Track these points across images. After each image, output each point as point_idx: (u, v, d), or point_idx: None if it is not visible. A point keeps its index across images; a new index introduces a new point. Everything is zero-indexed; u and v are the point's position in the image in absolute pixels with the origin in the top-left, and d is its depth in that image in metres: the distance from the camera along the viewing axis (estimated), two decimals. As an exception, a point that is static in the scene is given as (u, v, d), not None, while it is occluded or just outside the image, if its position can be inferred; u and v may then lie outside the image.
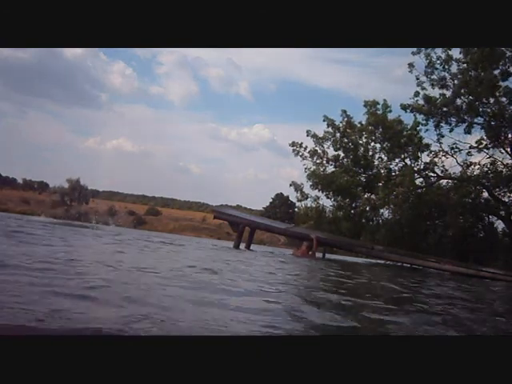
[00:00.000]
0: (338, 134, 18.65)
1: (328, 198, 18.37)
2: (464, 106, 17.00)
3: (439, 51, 17.45)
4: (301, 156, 18.87)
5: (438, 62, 17.41)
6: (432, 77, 17.64)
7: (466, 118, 17.28)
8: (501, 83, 16.41)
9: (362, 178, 18.59)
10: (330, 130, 18.78)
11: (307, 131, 19.26)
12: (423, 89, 17.71)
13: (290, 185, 18.94)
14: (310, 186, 18.40)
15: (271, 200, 67.92)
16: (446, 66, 17.41)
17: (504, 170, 16.79)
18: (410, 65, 17.88)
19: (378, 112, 18.36)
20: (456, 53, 17.22)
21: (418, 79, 17.70)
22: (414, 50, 17.47)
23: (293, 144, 19.11)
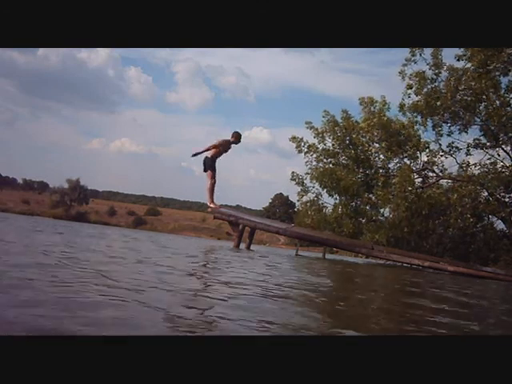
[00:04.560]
0: (337, 130, 18.66)
1: (331, 195, 18.39)
2: (462, 106, 17.00)
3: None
4: (300, 151, 18.87)
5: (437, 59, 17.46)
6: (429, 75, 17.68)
7: (463, 117, 17.30)
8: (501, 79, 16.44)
9: (361, 177, 18.63)
10: (329, 125, 18.78)
11: (306, 122, 19.23)
12: (419, 87, 17.71)
13: (292, 179, 18.92)
14: (311, 181, 18.46)
15: (271, 200, 68.00)
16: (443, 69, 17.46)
17: (504, 170, 16.79)
18: (402, 72, 17.93)
19: (376, 110, 18.40)
20: (453, 52, 17.27)
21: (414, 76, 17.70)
22: (409, 55, 17.54)
23: (293, 138, 19.10)
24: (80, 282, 2.31)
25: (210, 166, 10.77)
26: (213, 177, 10.87)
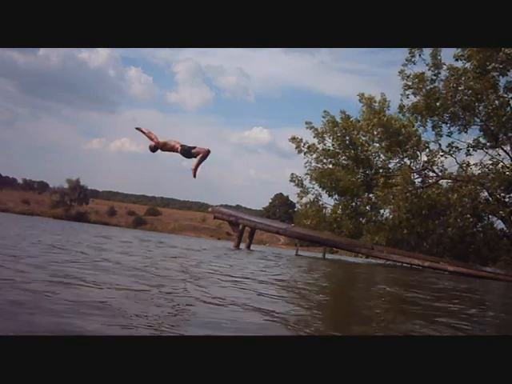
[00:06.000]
0: (337, 130, 18.64)
1: (330, 196, 18.38)
2: (462, 106, 16.98)
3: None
4: (300, 151, 18.86)
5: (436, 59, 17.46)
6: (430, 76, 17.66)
7: (463, 117, 17.29)
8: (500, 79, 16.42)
9: (361, 177, 18.61)
10: (329, 125, 18.74)
11: (306, 122, 19.18)
12: (419, 88, 17.68)
13: (291, 180, 18.88)
14: (311, 182, 18.46)
15: (271, 200, 67.89)
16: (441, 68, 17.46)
17: (505, 170, 16.75)
18: (402, 72, 17.91)
19: (376, 108, 18.37)
20: (452, 52, 17.24)
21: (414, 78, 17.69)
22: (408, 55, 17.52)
23: (293, 139, 19.06)
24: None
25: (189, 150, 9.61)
26: (199, 152, 9.75)
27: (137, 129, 8.85)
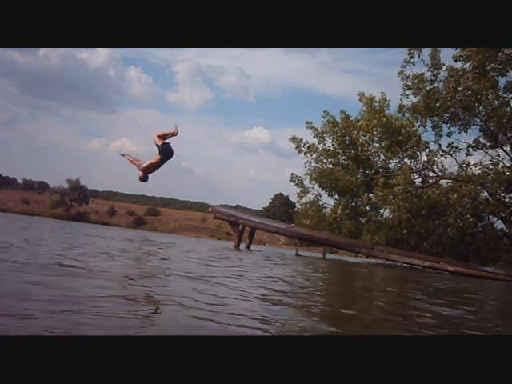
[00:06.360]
0: (337, 130, 18.64)
1: (330, 195, 18.39)
2: (462, 106, 16.98)
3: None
4: (300, 151, 18.87)
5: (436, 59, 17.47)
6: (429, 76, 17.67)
7: (463, 117, 17.30)
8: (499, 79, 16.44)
9: (361, 177, 18.62)
10: (329, 125, 18.75)
11: (306, 122, 19.16)
12: (419, 88, 17.69)
13: (291, 180, 18.89)
14: (311, 182, 18.49)
15: (271, 200, 67.92)
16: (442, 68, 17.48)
17: (505, 170, 16.74)
18: (401, 72, 17.92)
19: (376, 108, 18.37)
20: (452, 53, 17.24)
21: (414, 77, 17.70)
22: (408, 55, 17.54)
23: (293, 139, 19.05)
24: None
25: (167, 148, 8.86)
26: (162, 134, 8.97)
27: (121, 155, 8.50)
